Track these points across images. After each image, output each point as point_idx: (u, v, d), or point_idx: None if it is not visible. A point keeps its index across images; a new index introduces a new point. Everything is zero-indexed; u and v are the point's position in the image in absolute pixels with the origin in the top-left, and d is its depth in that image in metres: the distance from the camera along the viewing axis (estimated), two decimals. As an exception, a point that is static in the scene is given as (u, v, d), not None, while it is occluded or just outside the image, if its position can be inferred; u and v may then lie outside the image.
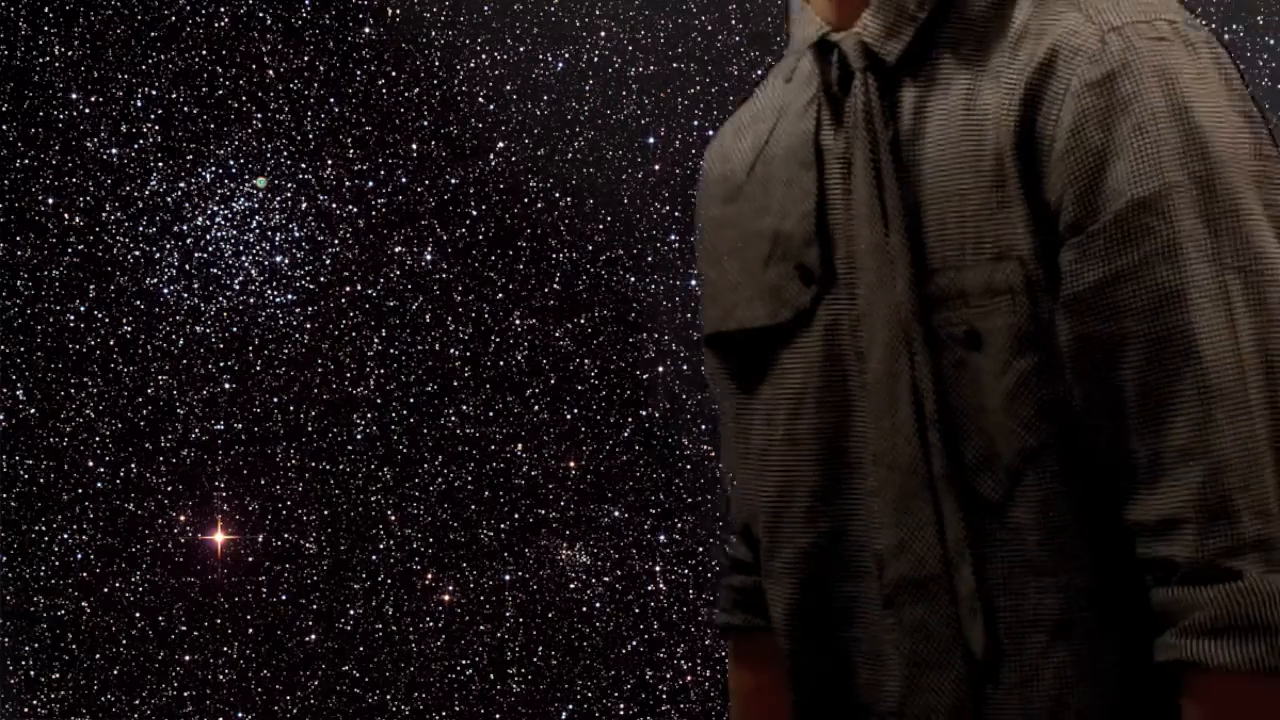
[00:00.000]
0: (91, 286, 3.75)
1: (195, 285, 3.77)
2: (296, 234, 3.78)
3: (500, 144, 3.77)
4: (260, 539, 3.77)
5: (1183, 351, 1.00)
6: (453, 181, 3.78)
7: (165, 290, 3.76)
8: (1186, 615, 0.99)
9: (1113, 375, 1.03)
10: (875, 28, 1.12)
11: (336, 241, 3.79)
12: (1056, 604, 1.06)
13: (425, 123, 3.77)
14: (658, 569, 3.72)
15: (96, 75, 3.72)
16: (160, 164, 3.74)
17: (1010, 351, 1.05)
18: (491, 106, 3.74)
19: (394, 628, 3.76)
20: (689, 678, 3.69)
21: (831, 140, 1.15)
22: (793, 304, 1.15)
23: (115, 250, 3.75)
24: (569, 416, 3.73)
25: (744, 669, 1.37)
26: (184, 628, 3.77)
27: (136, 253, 3.76)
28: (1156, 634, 1.02)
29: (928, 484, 1.07)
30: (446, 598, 3.79)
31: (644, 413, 3.73)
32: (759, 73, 3.84)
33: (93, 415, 3.75)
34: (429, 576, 3.79)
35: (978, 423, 1.06)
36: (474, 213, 3.78)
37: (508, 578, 3.82)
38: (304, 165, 3.76)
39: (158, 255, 3.76)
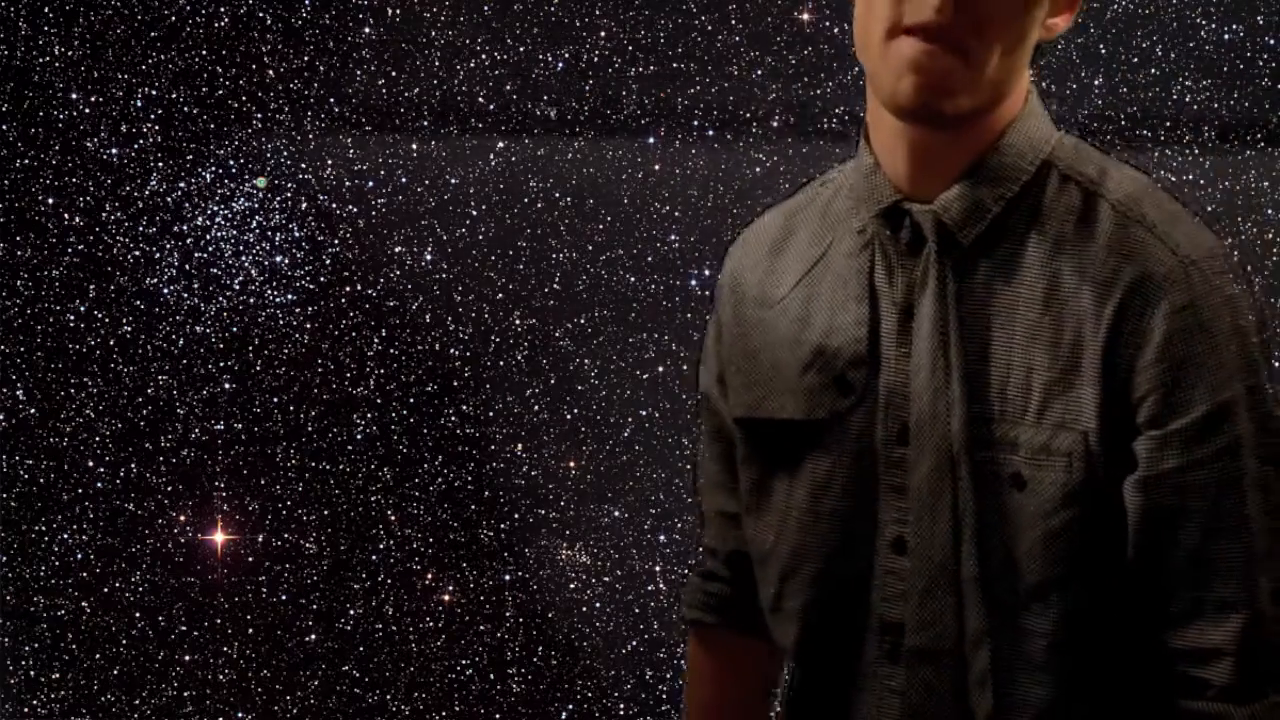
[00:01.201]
0: (91, 286, 3.75)
1: (195, 285, 3.77)
2: (296, 234, 3.78)
3: (500, 144, 3.77)
4: (260, 539, 3.77)
5: (1235, 527, 1.29)
6: (453, 181, 3.78)
7: (165, 290, 3.76)
8: None
9: (1175, 536, 1.30)
10: (956, 212, 1.36)
11: (336, 241, 3.79)
12: (1048, 694, 1.34)
13: (425, 123, 3.77)
14: (658, 569, 3.72)
15: (96, 75, 3.72)
16: (160, 164, 3.74)
17: (1058, 502, 1.31)
18: (491, 106, 3.74)
19: (394, 628, 3.76)
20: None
21: (886, 285, 1.39)
22: (828, 407, 1.41)
23: (115, 250, 3.75)
24: (569, 416, 3.74)
25: (704, 655, 1.63)
26: (184, 628, 3.77)
27: (136, 253, 3.76)
28: None
29: (954, 581, 1.33)
30: (446, 598, 3.79)
31: (644, 413, 3.73)
32: (758, 73, 3.84)
33: (93, 415, 3.75)
34: (429, 576, 3.79)
35: (1008, 545, 1.32)
36: (474, 213, 3.78)
37: (508, 578, 3.82)
38: (304, 165, 3.76)
39: (158, 255, 3.77)
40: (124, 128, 3.73)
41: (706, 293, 3.83)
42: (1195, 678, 1.30)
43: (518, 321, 3.80)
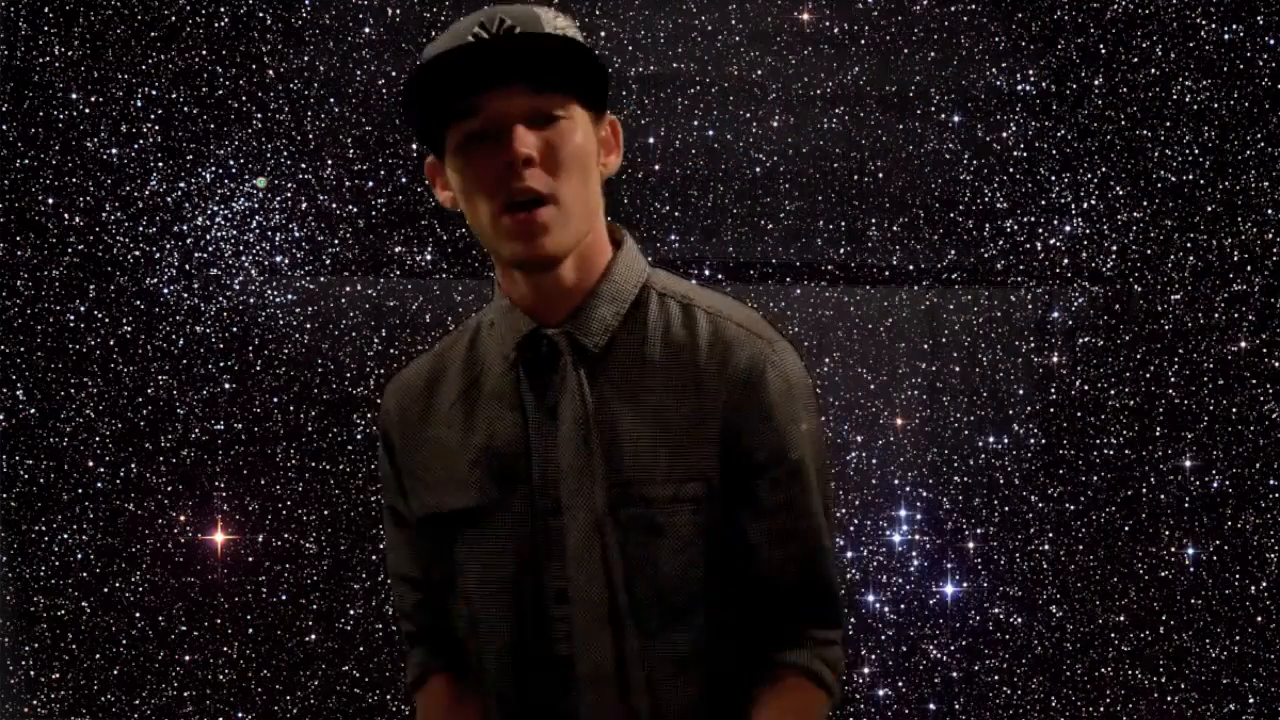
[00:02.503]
0: (91, 286, 3.75)
1: (195, 285, 3.77)
2: (296, 234, 3.78)
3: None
4: (260, 539, 3.77)
5: (811, 532, 1.78)
6: (453, 181, 3.77)
7: (165, 290, 3.76)
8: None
9: (787, 544, 1.76)
10: (583, 328, 1.75)
11: (336, 241, 3.79)
12: (695, 693, 1.74)
13: (425, 123, 3.77)
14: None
15: (96, 75, 3.72)
16: (160, 164, 3.74)
17: (689, 538, 1.72)
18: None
19: (394, 628, 3.76)
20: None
21: (530, 394, 1.75)
22: (494, 494, 1.76)
23: (115, 250, 3.75)
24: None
25: (438, 702, 1.93)
26: (184, 628, 3.77)
27: (136, 253, 3.76)
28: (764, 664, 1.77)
29: (610, 617, 1.70)
30: (446, 598, 3.78)
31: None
32: (758, 73, 3.84)
33: (93, 415, 3.75)
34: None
35: (654, 582, 1.71)
36: (474, 213, 3.78)
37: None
38: (304, 165, 3.76)
39: (158, 255, 3.77)
40: (124, 128, 3.73)
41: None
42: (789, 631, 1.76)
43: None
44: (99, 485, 3.75)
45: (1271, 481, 3.81)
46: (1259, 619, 3.81)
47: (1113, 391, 3.84)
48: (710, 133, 3.84)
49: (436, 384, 1.86)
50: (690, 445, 1.72)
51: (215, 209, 3.76)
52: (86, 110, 3.72)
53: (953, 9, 3.82)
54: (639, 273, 1.81)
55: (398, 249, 3.80)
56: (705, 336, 1.76)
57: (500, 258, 1.77)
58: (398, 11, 3.77)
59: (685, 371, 1.74)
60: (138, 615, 3.76)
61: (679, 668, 1.73)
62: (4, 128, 3.72)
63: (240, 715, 3.78)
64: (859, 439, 3.84)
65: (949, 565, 3.83)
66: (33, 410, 3.74)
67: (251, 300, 3.77)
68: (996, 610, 3.84)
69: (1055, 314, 3.86)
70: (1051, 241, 3.84)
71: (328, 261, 3.78)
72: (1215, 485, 3.82)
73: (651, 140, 3.82)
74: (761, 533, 1.74)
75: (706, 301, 1.81)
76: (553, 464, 1.73)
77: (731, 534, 1.75)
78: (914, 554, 3.83)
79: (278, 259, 3.77)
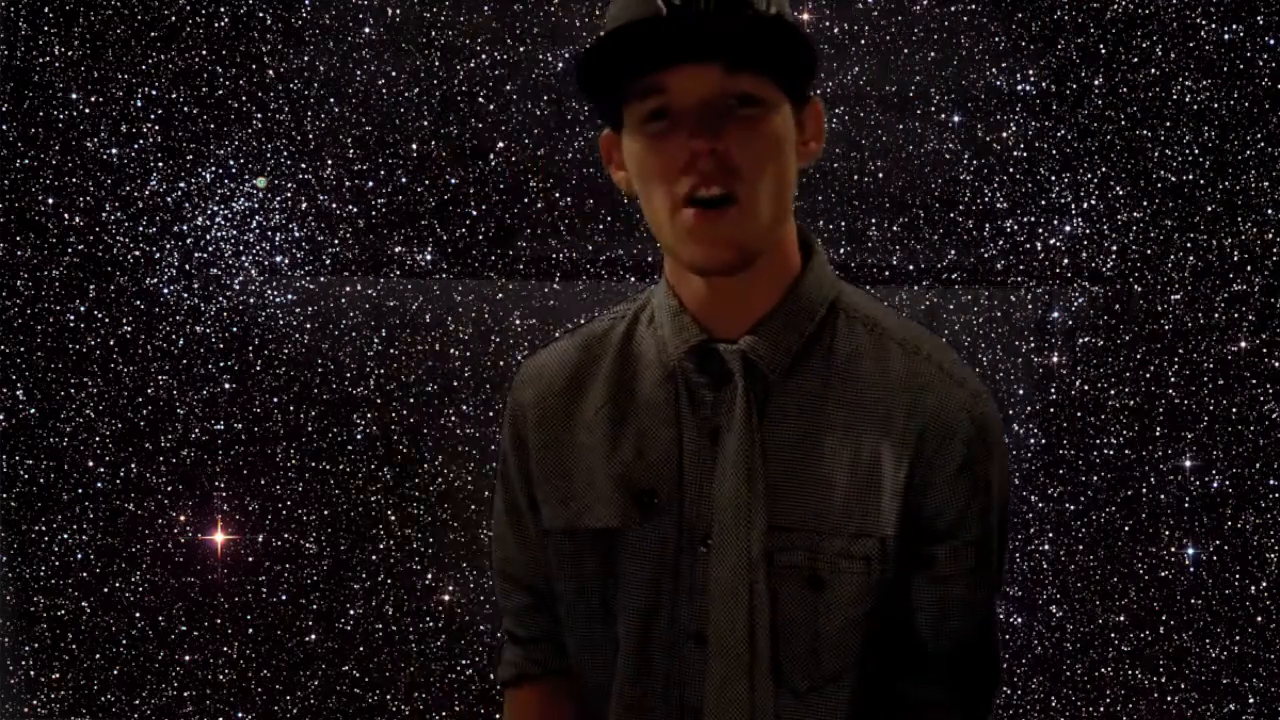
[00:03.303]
0: (91, 286, 3.75)
1: (195, 285, 3.77)
2: (296, 234, 3.78)
3: (500, 144, 3.77)
4: (260, 539, 3.77)
5: (985, 604, 1.66)
6: (453, 181, 3.78)
7: (165, 290, 3.76)
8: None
9: (958, 615, 1.61)
10: (762, 351, 1.55)
11: (336, 241, 3.79)
12: None
13: (425, 123, 3.77)
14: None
15: (96, 75, 3.72)
16: (160, 164, 3.74)
17: (855, 599, 1.55)
18: (491, 106, 3.74)
19: (394, 628, 3.76)
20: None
21: (689, 413, 1.58)
22: (638, 518, 1.59)
23: (115, 250, 3.75)
24: (569, 416, 3.73)
25: (530, 707, 1.79)
26: (184, 628, 3.77)
27: (136, 253, 3.76)
28: None
29: (748, 671, 1.53)
30: (446, 598, 3.79)
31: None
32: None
33: (93, 415, 3.75)
34: (429, 576, 3.79)
35: (805, 638, 1.54)
36: (474, 213, 3.78)
37: (508, 578, 3.82)
38: (304, 165, 3.76)
39: (158, 255, 3.77)
40: (124, 128, 3.73)
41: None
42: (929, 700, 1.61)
43: (518, 321, 3.80)
44: (99, 485, 3.75)
45: (1271, 481, 3.81)
46: (1259, 619, 3.81)
47: (1113, 391, 3.84)
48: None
49: (583, 381, 1.67)
50: (869, 496, 1.55)
51: (215, 209, 3.75)
52: (86, 110, 3.72)
53: (953, 9, 3.82)
54: (827, 290, 1.61)
55: (398, 249, 3.80)
56: (899, 375, 1.57)
57: (675, 257, 1.58)
58: (398, 11, 3.76)
59: (872, 413, 1.56)
60: (138, 615, 3.76)
61: None
62: (4, 128, 3.72)
63: (240, 715, 3.78)
64: (859, 439, 3.84)
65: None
66: (33, 410, 3.74)
67: (251, 300, 3.77)
68: (996, 610, 3.84)
69: (1055, 314, 3.86)
70: (1051, 241, 3.84)
71: (328, 261, 3.78)
72: (1215, 485, 3.82)
73: (651, 140, 3.81)
74: (933, 599, 1.59)
75: (901, 332, 1.60)
76: (707, 495, 1.57)
77: (902, 599, 1.59)
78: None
79: (278, 259, 3.77)
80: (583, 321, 1.79)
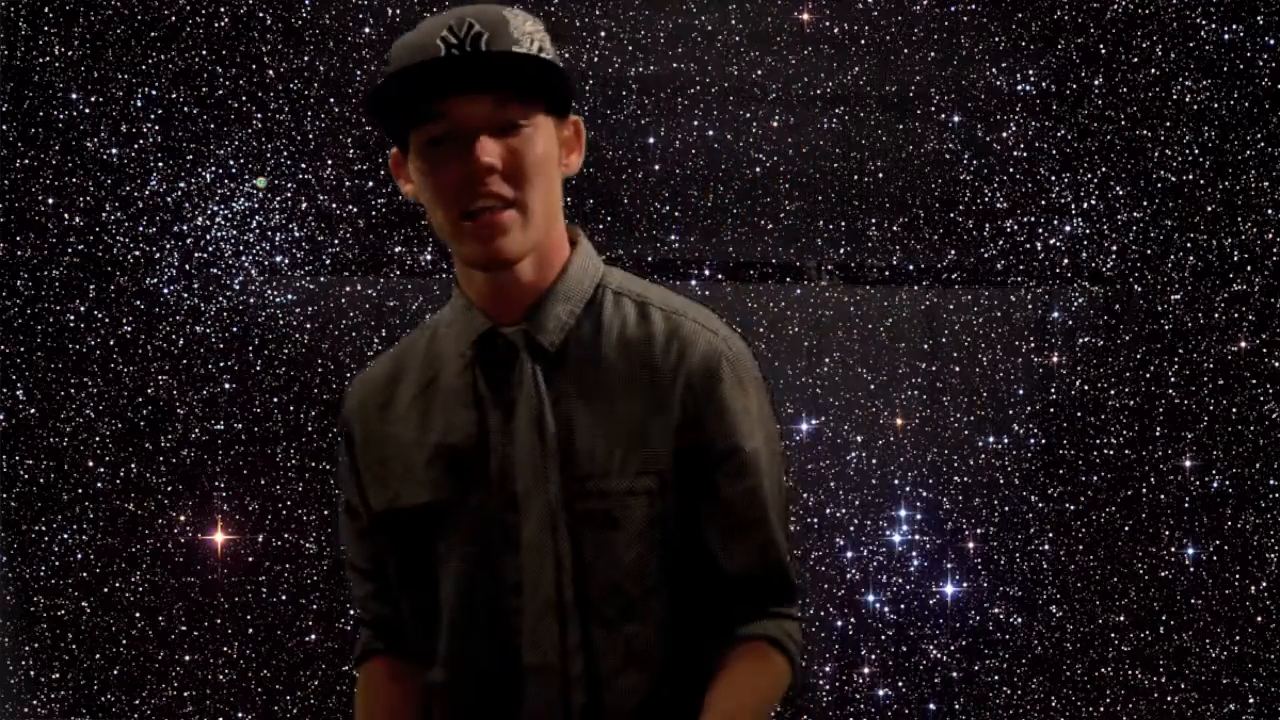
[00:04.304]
0: (91, 286, 3.75)
1: (195, 285, 3.77)
2: (296, 234, 3.78)
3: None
4: (260, 539, 3.77)
5: (766, 524, 1.84)
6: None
7: (165, 290, 3.76)
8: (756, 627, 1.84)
9: (745, 536, 1.82)
10: (540, 327, 1.79)
11: (336, 241, 3.79)
12: (648, 685, 1.78)
13: (425, 123, 3.77)
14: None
15: (96, 75, 3.72)
16: (160, 164, 3.74)
17: (643, 530, 1.77)
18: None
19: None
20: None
21: (488, 392, 1.80)
22: (451, 490, 1.81)
23: (115, 250, 3.75)
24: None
25: (377, 678, 1.99)
26: (184, 628, 3.77)
27: (136, 253, 3.76)
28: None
29: (557, 610, 1.75)
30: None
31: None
32: (759, 73, 3.84)
33: (93, 415, 3.75)
34: (429, 576, 3.79)
35: (609, 573, 1.75)
36: (474, 213, 3.78)
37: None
38: (304, 165, 3.76)
39: (158, 255, 3.77)
40: (124, 128, 3.73)
41: (707, 293, 3.83)
42: (746, 605, 1.81)
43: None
44: (99, 485, 3.75)
45: (1271, 481, 3.81)
46: (1259, 619, 3.81)
47: (1113, 391, 3.84)
48: (710, 133, 3.84)
49: (396, 382, 1.90)
50: (645, 440, 1.77)
51: (215, 209, 3.76)
52: (86, 110, 3.72)
53: (953, 9, 3.82)
54: (594, 271, 1.86)
55: (398, 249, 3.80)
56: (660, 333, 1.81)
57: (460, 257, 1.81)
58: (398, 11, 3.77)
59: (640, 368, 1.80)
60: (138, 615, 3.76)
61: (629, 661, 1.77)
62: (4, 128, 3.72)
63: (240, 715, 3.78)
64: (859, 439, 3.84)
65: (949, 565, 3.83)
66: (33, 410, 3.74)
67: (251, 300, 3.77)
68: (996, 610, 3.84)
69: (1055, 314, 3.86)
70: (1051, 241, 3.85)
71: (328, 261, 3.78)
72: (1215, 485, 3.82)
73: (651, 140, 3.82)
74: (719, 525, 1.80)
75: (661, 299, 1.86)
76: (509, 460, 1.78)
77: (690, 526, 1.80)
78: (914, 554, 3.83)
79: (278, 259, 3.77)
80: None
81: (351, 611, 3.74)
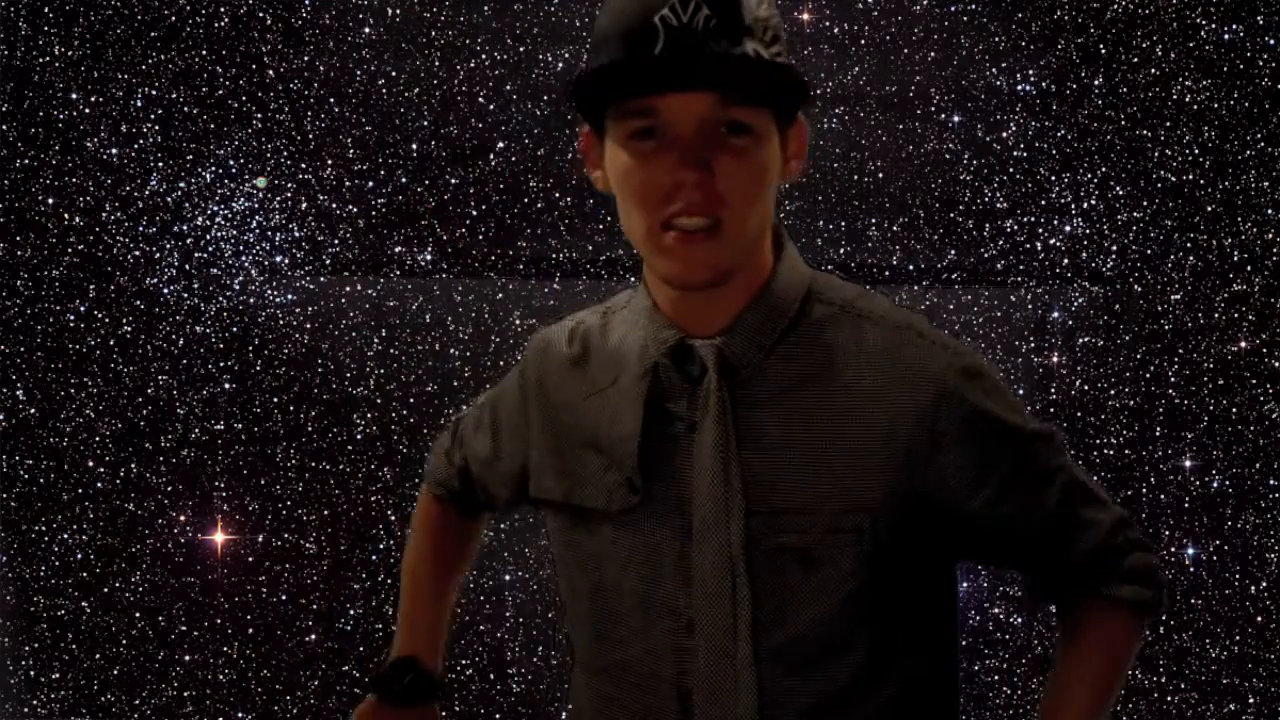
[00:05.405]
0: (91, 286, 3.75)
1: (195, 285, 3.77)
2: (296, 234, 3.78)
3: (500, 144, 3.77)
4: (260, 539, 3.77)
5: (1065, 470, 1.72)
6: (453, 181, 3.78)
7: (165, 290, 3.76)
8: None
9: (1037, 505, 1.67)
10: (736, 347, 1.60)
11: (336, 241, 3.79)
12: None
13: (425, 123, 3.77)
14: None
15: (96, 75, 3.72)
16: (160, 164, 3.74)
17: (849, 573, 1.56)
18: (491, 106, 3.74)
19: (394, 628, 3.76)
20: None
21: (673, 406, 1.62)
22: (622, 504, 1.64)
23: (115, 250, 3.75)
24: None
25: (434, 511, 2.04)
26: (184, 628, 3.77)
27: (136, 253, 3.76)
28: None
29: (730, 656, 1.58)
30: (446, 598, 3.78)
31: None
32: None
33: (93, 415, 3.75)
34: (429, 576, 3.79)
35: (796, 619, 1.57)
36: (474, 213, 3.78)
37: (508, 578, 3.82)
38: (304, 165, 3.76)
39: (158, 255, 3.77)
40: (124, 128, 3.73)
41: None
42: (1106, 567, 1.69)
43: (518, 321, 3.80)
44: (99, 485, 3.75)
45: (1271, 481, 3.81)
46: (1259, 619, 3.81)
47: (1113, 391, 3.84)
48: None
49: (576, 368, 1.74)
50: (856, 470, 1.57)
51: (215, 209, 3.76)
52: (86, 110, 3.72)
53: (953, 9, 3.82)
54: (800, 280, 1.65)
55: (398, 249, 3.80)
56: (878, 349, 1.60)
57: (653, 269, 1.63)
58: (398, 11, 3.76)
59: (852, 390, 1.59)
60: (138, 615, 3.76)
61: (836, 706, 1.60)
62: (4, 128, 3.72)
63: (240, 715, 3.78)
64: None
65: (949, 565, 3.83)
66: (33, 410, 3.74)
67: (251, 300, 3.77)
68: (996, 610, 3.84)
69: (1055, 314, 3.86)
70: (1051, 241, 3.84)
71: (328, 261, 3.78)
72: (1215, 485, 3.82)
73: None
74: (1047, 538, 1.64)
75: (876, 310, 1.64)
76: (688, 486, 1.61)
77: (990, 558, 1.67)
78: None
79: (278, 259, 3.77)
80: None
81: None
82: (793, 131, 1.60)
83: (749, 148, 1.52)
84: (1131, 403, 3.83)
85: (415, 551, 2.07)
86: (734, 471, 1.58)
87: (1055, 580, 1.70)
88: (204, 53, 3.74)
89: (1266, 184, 3.79)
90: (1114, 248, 3.84)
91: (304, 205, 3.77)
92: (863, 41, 3.83)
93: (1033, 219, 3.85)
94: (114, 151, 3.73)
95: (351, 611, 3.77)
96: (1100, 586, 1.68)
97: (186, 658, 3.77)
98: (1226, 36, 3.76)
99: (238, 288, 3.77)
